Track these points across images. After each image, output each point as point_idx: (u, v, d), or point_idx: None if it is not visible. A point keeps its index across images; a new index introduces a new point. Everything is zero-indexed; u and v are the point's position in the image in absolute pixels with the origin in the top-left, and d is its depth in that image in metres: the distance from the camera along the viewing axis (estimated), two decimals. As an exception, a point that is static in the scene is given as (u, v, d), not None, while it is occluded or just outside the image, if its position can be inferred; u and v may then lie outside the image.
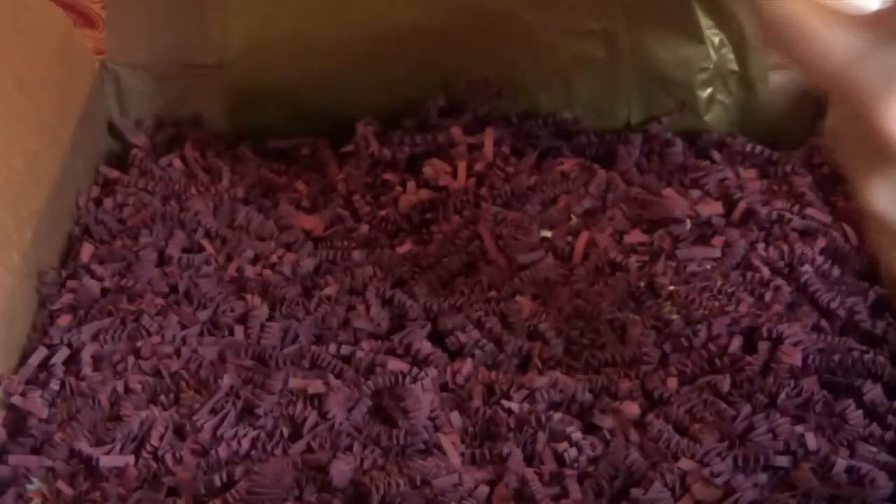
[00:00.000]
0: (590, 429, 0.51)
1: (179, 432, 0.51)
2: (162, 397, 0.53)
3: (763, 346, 0.54)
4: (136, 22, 0.70)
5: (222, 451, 0.49)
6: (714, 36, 0.69)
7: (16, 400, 0.52)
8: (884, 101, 0.35)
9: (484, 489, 0.47)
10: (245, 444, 0.49)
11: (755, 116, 0.71)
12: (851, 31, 0.36)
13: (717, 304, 0.56)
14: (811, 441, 0.49)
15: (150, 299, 0.58)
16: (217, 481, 0.48)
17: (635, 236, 0.61)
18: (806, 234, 0.61)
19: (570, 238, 0.61)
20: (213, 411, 0.51)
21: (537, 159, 0.68)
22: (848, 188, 0.65)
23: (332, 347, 0.55)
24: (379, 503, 0.46)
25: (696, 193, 0.64)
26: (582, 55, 0.70)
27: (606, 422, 0.50)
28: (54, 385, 0.53)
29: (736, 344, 0.54)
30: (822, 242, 0.60)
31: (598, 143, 0.70)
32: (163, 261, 0.61)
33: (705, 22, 0.69)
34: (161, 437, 0.50)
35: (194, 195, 0.65)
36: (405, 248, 0.61)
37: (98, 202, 0.66)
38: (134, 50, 0.71)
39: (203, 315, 0.57)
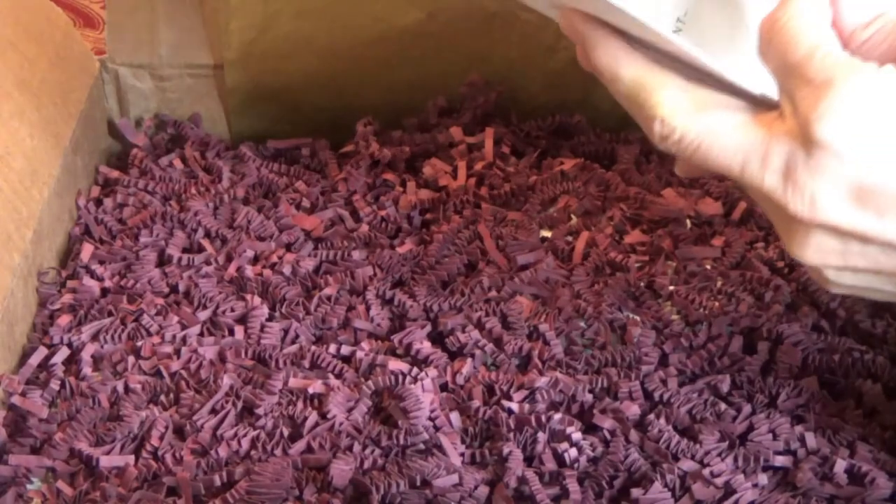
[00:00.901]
0: (590, 429, 0.51)
1: (179, 432, 0.51)
2: (162, 397, 0.53)
3: (763, 346, 0.54)
4: (136, 22, 0.70)
5: (222, 451, 0.49)
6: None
7: (16, 400, 0.52)
8: (783, 193, 0.39)
9: (484, 489, 0.47)
10: (245, 444, 0.49)
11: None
12: (748, 133, 0.40)
13: (716, 304, 0.56)
14: (811, 441, 0.49)
15: (150, 299, 0.58)
16: (217, 481, 0.48)
17: (635, 236, 0.61)
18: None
19: (570, 238, 0.61)
20: (213, 411, 0.51)
21: (537, 159, 0.68)
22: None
23: (332, 347, 0.55)
24: (379, 503, 0.47)
25: (696, 193, 0.64)
26: (582, 55, 0.70)
27: (606, 422, 0.50)
28: (54, 385, 0.53)
29: (736, 344, 0.54)
30: (822, 242, 0.60)
31: (598, 143, 0.70)
32: (163, 261, 0.61)
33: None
34: (161, 437, 0.50)
35: (194, 195, 0.65)
36: (405, 248, 0.61)
37: (98, 202, 0.66)
38: (134, 50, 0.71)
39: (203, 315, 0.57)
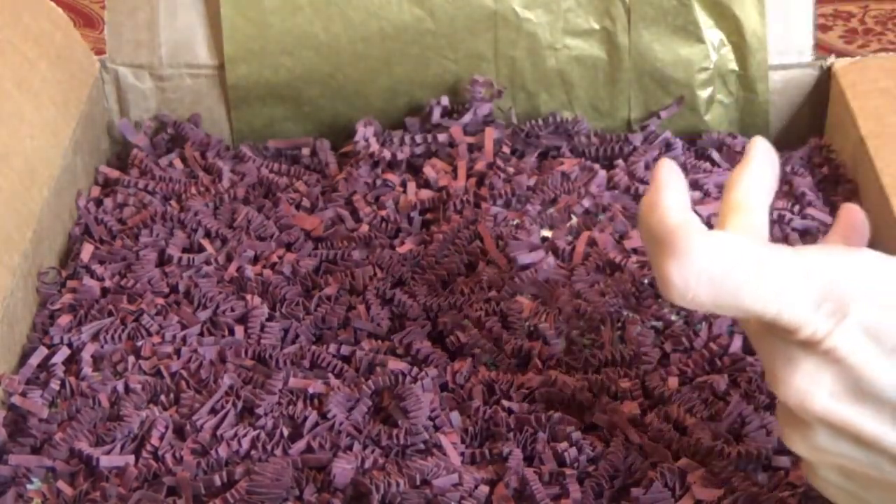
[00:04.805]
0: (590, 428, 0.51)
1: (179, 432, 0.51)
2: (162, 397, 0.53)
3: (763, 345, 0.54)
4: (136, 22, 0.70)
5: (222, 451, 0.49)
6: (714, 36, 0.69)
7: (16, 400, 0.52)
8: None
9: (484, 489, 0.47)
10: (245, 444, 0.49)
11: (755, 117, 0.71)
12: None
13: (717, 303, 0.56)
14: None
15: (150, 299, 0.58)
16: (217, 481, 0.48)
17: (636, 237, 0.61)
18: (806, 234, 0.61)
19: (570, 238, 0.61)
20: (213, 411, 0.51)
21: (537, 159, 0.68)
22: (847, 190, 0.65)
23: (332, 347, 0.55)
24: (379, 503, 0.47)
25: (696, 194, 0.64)
26: (582, 55, 0.70)
27: (606, 422, 0.50)
28: (54, 385, 0.53)
29: (736, 344, 0.54)
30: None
31: (598, 143, 0.70)
32: (163, 261, 0.61)
33: (705, 21, 0.69)
34: (161, 437, 0.50)
35: (194, 195, 0.65)
36: (405, 248, 0.61)
37: (98, 202, 0.66)
38: (134, 50, 0.71)
39: (203, 315, 0.57)
